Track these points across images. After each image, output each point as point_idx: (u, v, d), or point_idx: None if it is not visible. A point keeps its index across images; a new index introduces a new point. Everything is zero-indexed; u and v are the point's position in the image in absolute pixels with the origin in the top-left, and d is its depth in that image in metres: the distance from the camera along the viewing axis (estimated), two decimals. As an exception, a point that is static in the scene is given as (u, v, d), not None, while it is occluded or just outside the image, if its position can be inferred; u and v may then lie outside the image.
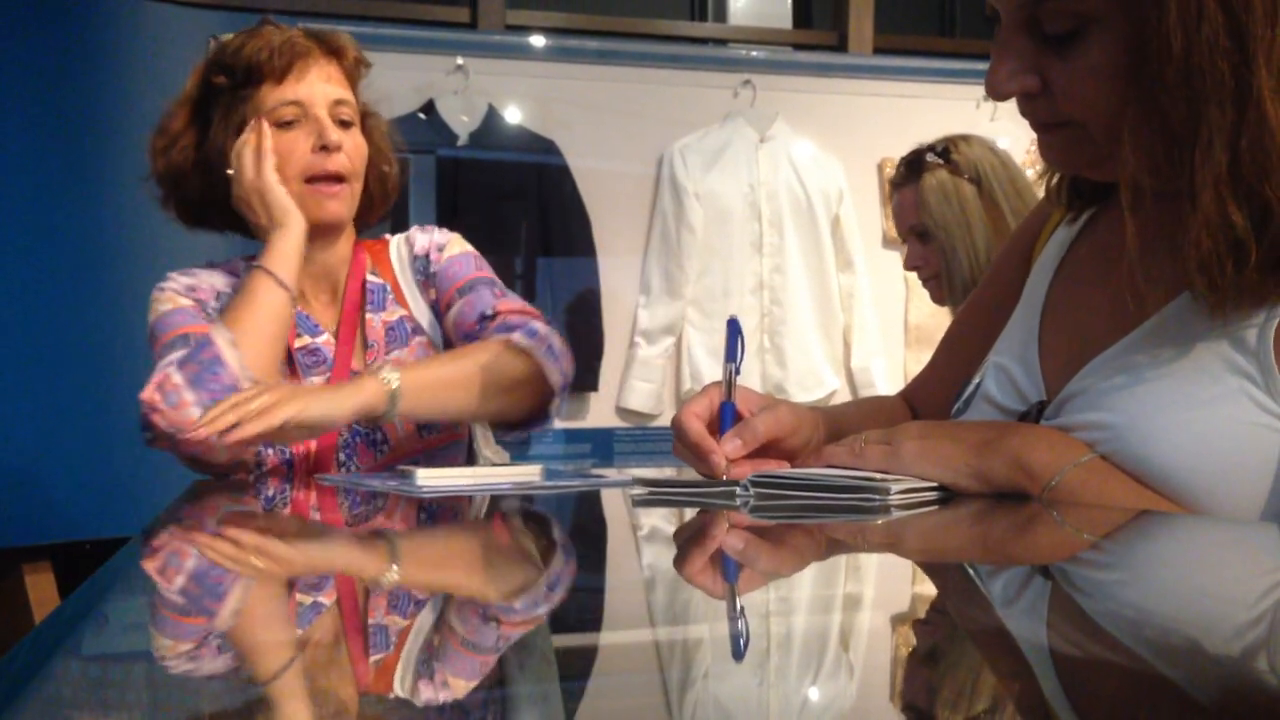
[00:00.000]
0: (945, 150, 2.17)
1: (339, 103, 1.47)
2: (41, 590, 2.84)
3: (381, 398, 1.30)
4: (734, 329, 1.05)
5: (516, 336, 1.42)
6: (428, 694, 0.44)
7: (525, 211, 3.39)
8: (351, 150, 1.47)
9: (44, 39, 2.92)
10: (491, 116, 3.38)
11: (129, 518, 2.71)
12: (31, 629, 0.57)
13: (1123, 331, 0.89)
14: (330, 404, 1.27)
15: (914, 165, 2.20)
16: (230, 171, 1.45)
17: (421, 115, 3.27)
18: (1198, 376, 0.83)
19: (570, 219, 3.43)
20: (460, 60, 3.32)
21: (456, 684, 0.45)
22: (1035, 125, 0.90)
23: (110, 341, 2.95)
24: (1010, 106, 0.91)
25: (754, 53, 3.77)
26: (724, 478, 0.97)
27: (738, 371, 1.03)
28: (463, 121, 3.35)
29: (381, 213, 1.62)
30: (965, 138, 2.22)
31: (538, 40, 3.50)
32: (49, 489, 2.87)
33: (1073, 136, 0.87)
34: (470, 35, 3.55)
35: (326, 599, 0.63)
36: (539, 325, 1.46)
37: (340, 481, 1.24)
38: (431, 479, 1.15)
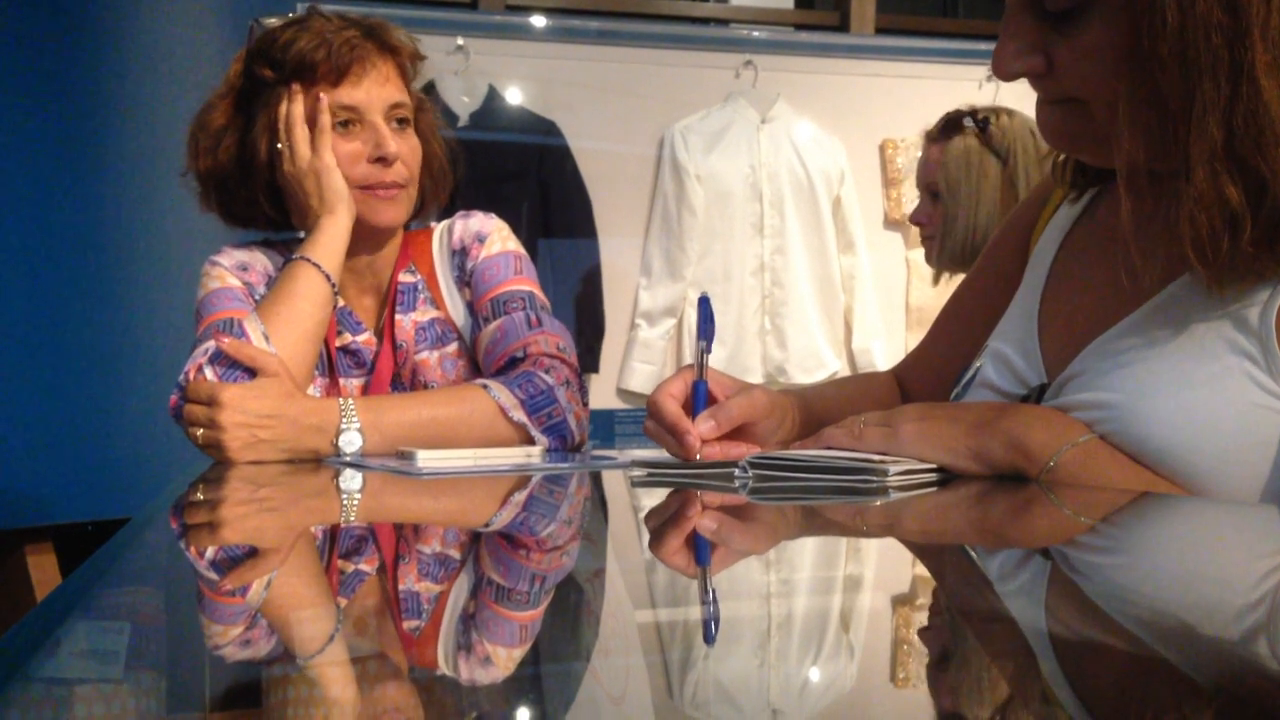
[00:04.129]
0: (985, 120, 2.19)
1: (396, 105, 1.43)
2: (43, 571, 2.85)
3: (327, 448, 1.27)
4: (704, 307, 1.05)
5: (515, 415, 1.32)
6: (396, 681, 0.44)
7: (526, 192, 3.39)
8: (408, 155, 1.43)
9: (40, 20, 2.90)
10: (492, 97, 3.37)
11: (130, 499, 2.72)
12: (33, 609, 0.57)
13: (1124, 312, 0.89)
14: (276, 451, 1.25)
15: (950, 125, 2.23)
16: (280, 145, 1.40)
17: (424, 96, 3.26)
18: (1199, 356, 0.83)
19: (571, 200, 3.42)
20: (460, 41, 3.31)
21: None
22: (1043, 99, 0.90)
23: (111, 325, 2.95)
24: (1013, 88, 0.91)
25: (755, 33, 3.76)
26: (697, 458, 0.98)
27: (708, 350, 1.03)
28: (463, 102, 3.34)
29: (433, 209, 1.57)
30: (1011, 113, 2.23)
31: (538, 20, 3.49)
32: (51, 471, 2.88)
33: (1073, 113, 0.87)
34: (470, 15, 3.54)
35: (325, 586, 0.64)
36: (558, 389, 1.35)
37: (343, 462, 1.24)
38: (432, 460, 1.15)
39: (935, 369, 1.16)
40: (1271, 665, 0.42)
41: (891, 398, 1.19)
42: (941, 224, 2.21)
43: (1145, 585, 0.58)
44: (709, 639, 0.48)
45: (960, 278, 2.24)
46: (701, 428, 0.99)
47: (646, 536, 0.80)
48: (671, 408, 1.01)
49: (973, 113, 2.22)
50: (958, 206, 2.17)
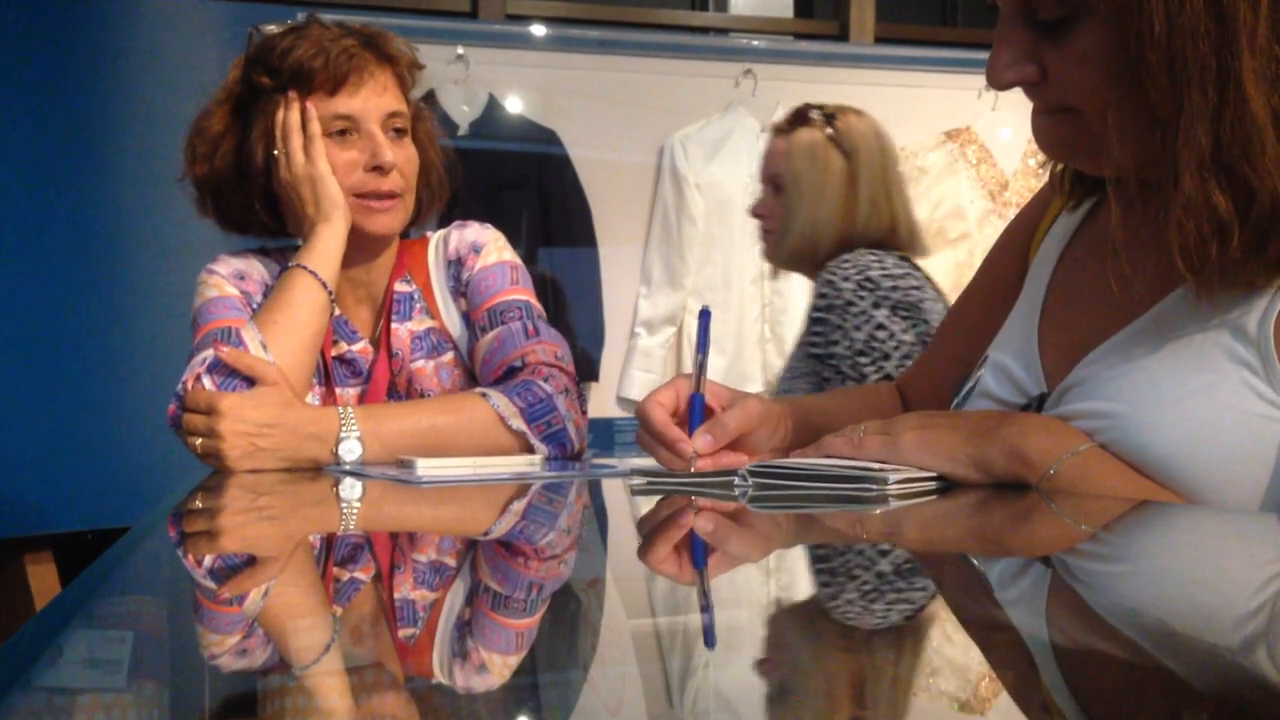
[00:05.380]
0: (832, 116, 2.17)
1: (393, 115, 1.43)
2: (43, 580, 2.85)
3: (327, 456, 1.27)
4: (705, 320, 1.05)
5: (514, 423, 1.32)
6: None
7: (526, 201, 3.39)
8: (404, 164, 1.43)
9: (41, 28, 2.91)
10: (492, 106, 3.37)
11: (129, 508, 2.72)
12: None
13: (1124, 322, 0.89)
14: (275, 460, 1.25)
15: (797, 118, 2.20)
16: (276, 152, 1.40)
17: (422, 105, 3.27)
18: (1199, 366, 0.83)
19: (571, 209, 3.42)
20: (461, 50, 3.32)
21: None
22: (1038, 108, 0.90)
23: (111, 333, 2.95)
24: (1011, 96, 0.91)
25: (755, 42, 3.76)
26: (691, 469, 0.98)
27: (704, 363, 1.04)
28: (463, 111, 3.34)
29: (430, 217, 1.56)
30: (859, 113, 2.21)
31: (538, 30, 3.49)
32: (50, 480, 2.88)
33: (1066, 122, 0.87)
34: (471, 25, 3.55)
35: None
36: (557, 397, 1.35)
37: (343, 471, 1.24)
38: (432, 469, 1.15)
39: (936, 380, 1.16)
40: (1271, 673, 0.42)
41: (893, 409, 1.19)
42: (783, 217, 2.16)
43: (1146, 593, 0.58)
44: (709, 646, 0.48)
45: (797, 276, 2.20)
46: (698, 442, 0.99)
47: (644, 543, 0.79)
48: (660, 416, 1.01)
49: (820, 107, 2.20)
50: (801, 199, 2.12)
